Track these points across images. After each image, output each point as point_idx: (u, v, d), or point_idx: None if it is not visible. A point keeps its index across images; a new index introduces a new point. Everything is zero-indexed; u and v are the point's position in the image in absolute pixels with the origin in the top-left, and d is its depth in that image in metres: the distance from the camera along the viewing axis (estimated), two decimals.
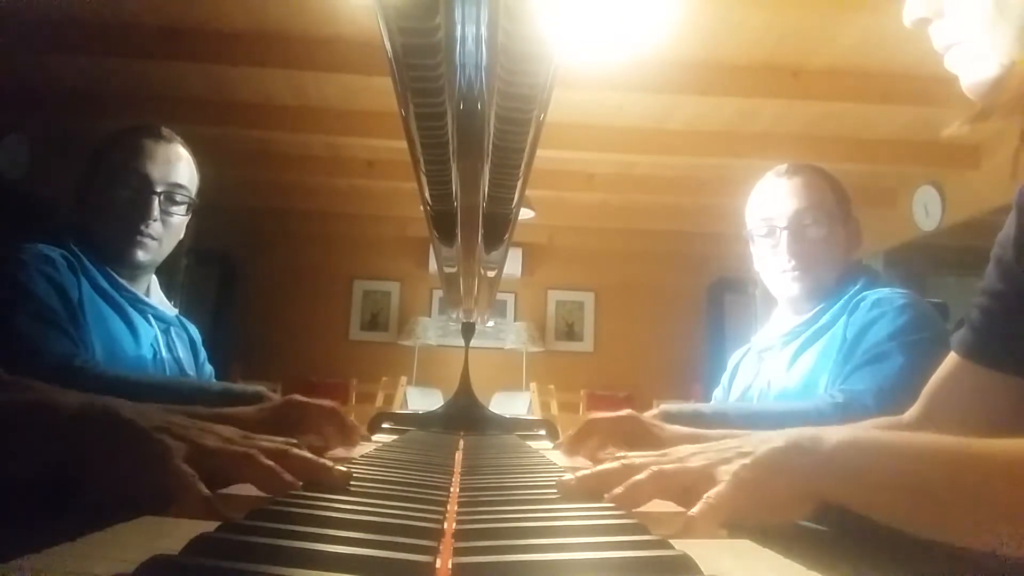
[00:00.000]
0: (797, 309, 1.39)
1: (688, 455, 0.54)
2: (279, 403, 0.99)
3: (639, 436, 0.95)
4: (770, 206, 1.41)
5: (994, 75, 0.60)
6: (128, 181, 1.35)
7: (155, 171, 1.37)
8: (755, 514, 0.47)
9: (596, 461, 0.94)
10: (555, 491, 0.53)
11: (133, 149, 1.38)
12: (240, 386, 1.22)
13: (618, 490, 0.50)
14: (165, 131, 1.43)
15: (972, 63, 0.62)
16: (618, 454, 0.59)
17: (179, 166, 1.41)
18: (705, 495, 0.47)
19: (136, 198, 1.35)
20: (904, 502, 0.44)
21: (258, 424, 0.93)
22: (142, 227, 1.35)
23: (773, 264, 1.40)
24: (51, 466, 0.46)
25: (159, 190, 1.36)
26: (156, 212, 1.36)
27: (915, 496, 0.44)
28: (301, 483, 0.50)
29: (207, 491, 0.45)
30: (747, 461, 0.49)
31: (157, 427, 0.49)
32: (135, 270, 1.38)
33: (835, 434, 0.48)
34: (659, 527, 0.42)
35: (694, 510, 0.46)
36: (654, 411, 1.16)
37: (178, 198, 1.39)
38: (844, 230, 1.38)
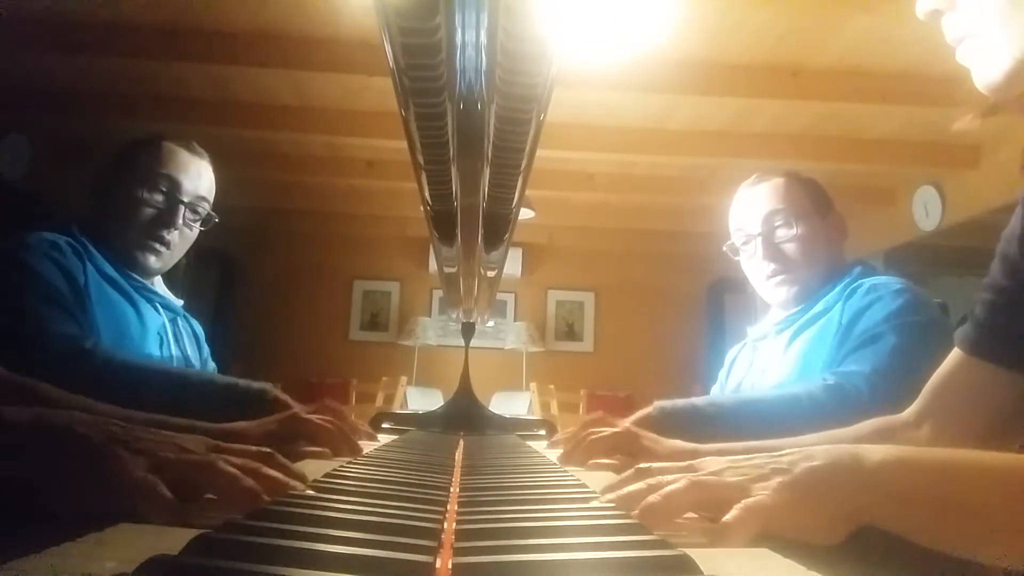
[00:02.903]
0: (789, 310, 1.40)
1: (721, 469, 0.52)
2: (281, 418, 0.97)
3: (636, 452, 0.94)
4: (742, 216, 1.43)
5: (1008, 69, 0.59)
6: (157, 185, 1.35)
7: (186, 181, 1.38)
8: (794, 533, 0.44)
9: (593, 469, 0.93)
10: (555, 491, 0.53)
11: (166, 155, 1.38)
12: (245, 381, 1.21)
13: (654, 498, 0.47)
14: (197, 145, 1.44)
15: (985, 56, 0.60)
16: (641, 465, 0.56)
17: (206, 180, 1.42)
18: (743, 501, 0.45)
19: (164, 204, 1.36)
20: (952, 524, 0.43)
21: (261, 438, 0.92)
22: (163, 233, 1.36)
23: (756, 272, 1.42)
24: (10, 483, 0.44)
25: (186, 200, 1.37)
26: (180, 221, 1.36)
27: (964, 517, 0.43)
28: (264, 494, 0.47)
29: (170, 495, 0.43)
30: (786, 479, 0.46)
31: (115, 440, 0.48)
32: (145, 275, 1.39)
33: (877, 452, 0.47)
34: (689, 536, 0.42)
35: (729, 516, 0.44)
36: (649, 408, 1.16)
37: (199, 210, 1.40)
38: (823, 225, 1.38)
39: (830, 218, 1.40)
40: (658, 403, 1.16)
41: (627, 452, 0.94)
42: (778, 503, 0.45)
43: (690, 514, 0.49)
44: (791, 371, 1.31)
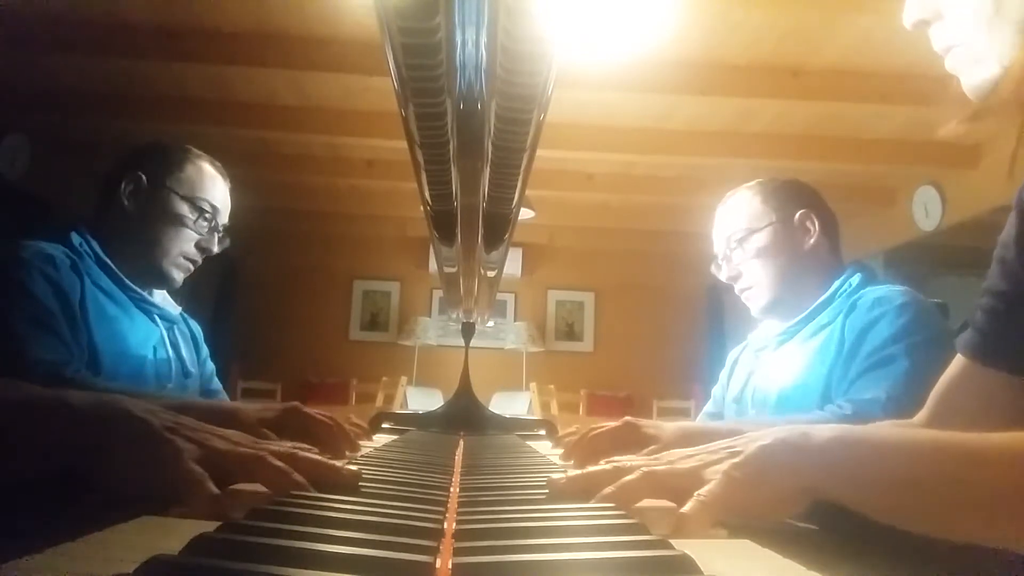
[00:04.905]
0: (781, 317, 1.41)
1: (679, 458, 0.55)
2: (282, 408, 0.98)
3: (640, 442, 0.94)
4: (714, 239, 1.49)
5: (993, 76, 0.61)
6: (203, 211, 1.37)
7: (221, 208, 1.41)
8: (748, 512, 0.47)
9: None
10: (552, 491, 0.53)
11: (209, 181, 1.40)
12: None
13: (609, 489, 0.50)
14: (221, 166, 1.46)
15: (972, 64, 0.63)
16: (614, 459, 0.59)
17: (229, 205, 1.45)
18: (696, 493, 0.47)
19: (206, 231, 1.38)
20: (894, 497, 0.44)
21: (258, 424, 0.93)
22: (198, 258, 1.38)
23: (736, 289, 1.46)
24: (64, 463, 0.46)
25: (219, 225, 1.40)
26: (215, 249, 1.39)
27: (905, 490, 0.44)
28: (310, 484, 0.50)
29: (216, 490, 0.45)
30: (737, 460, 0.49)
31: (168, 427, 0.50)
32: (167, 288, 1.40)
33: (824, 431, 0.48)
34: (652, 527, 0.42)
35: (685, 508, 0.46)
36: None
37: (220, 235, 1.43)
38: (784, 230, 1.38)
39: (796, 220, 1.39)
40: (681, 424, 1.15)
41: (630, 442, 0.94)
42: (728, 487, 0.47)
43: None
44: (793, 384, 1.31)
